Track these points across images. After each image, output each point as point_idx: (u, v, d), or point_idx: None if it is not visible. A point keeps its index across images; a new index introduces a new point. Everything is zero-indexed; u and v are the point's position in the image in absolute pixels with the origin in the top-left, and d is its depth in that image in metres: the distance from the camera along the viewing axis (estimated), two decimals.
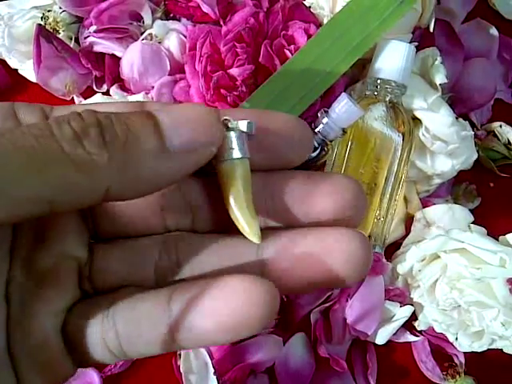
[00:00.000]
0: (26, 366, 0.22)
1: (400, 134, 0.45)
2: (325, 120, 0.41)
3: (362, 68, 0.49)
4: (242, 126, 0.23)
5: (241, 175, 0.23)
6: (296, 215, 0.24)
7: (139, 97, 0.47)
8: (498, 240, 0.46)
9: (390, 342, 0.48)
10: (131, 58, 0.47)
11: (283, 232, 0.24)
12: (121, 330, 0.22)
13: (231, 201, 0.23)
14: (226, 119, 0.23)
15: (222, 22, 0.46)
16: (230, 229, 0.24)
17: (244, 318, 0.20)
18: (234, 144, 0.23)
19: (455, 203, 0.51)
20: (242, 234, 0.23)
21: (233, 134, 0.23)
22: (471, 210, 0.49)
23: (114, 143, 0.19)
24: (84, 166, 0.19)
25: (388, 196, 0.46)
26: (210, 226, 0.25)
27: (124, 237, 0.25)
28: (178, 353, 0.46)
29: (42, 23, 0.48)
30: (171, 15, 0.50)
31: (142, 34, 0.48)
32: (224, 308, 0.21)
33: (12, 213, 0.18)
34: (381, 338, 0.47)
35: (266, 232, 0.23)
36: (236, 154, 0.23)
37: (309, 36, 0.45)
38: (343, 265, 0.22)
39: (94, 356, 0.23)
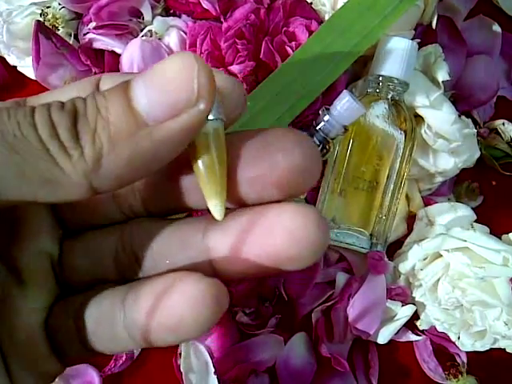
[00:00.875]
0: (15, 364, 0.22)
1: (402, 132, 0.45)
2: (326, 118, 0.41)
3: (363, 65, 0.49)
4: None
5: (215, 139, 0.20)
6: (241, 191, 0.21)
7: None
8: (500, 239, 0.45)
9: (391, 341, 0.47)
10: (131, 55, 0.46)
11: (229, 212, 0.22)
12: (89, 327, 0.22)
13: (201, 168, 0.20)
14: None
15: (222, 19, 0.45)
16: (180, 208, 0.23)
17: (188, 320, 0.19)
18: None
19: (457, 201, 0.51)
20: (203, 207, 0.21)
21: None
22: (473, 209, 0.48)
23: (84, 133, 0.18)
24: (60, 161, 0.18)
25: (390, 194, 0.46)
26: (162, 208, 0.24)
27: (89, 228, 0.25)
28: (179, 352, 0.46)
29: (41, 19, 0.48)
30: (171, 11, 0.49)
31: (141, 30, 0.48)
32: (169, 309, 0.20)
33: None
34: (382, 338, 0.47)
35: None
36: (209, 115, 0.20)
37: (310, 33, 0.44)
38: (286, 243, 0.20)
39: (71, 352, 0.23)
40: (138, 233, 0.23)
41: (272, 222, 0.20)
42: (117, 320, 0.21)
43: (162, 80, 0.18)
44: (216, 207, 0.20)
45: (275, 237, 0.20)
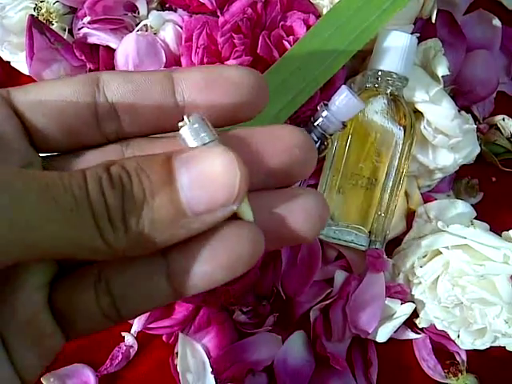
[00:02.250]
0: (16, 343, 0.22)
1: (401, 128, 0.44)
2: (324, 113, 0.40)
3: (362, 60, 0.48)
4: (194, 121, 0.23)
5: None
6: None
7: None
8: (500, 236, 0.45)
9: (390, 339, 0.47)
10: (126, 50, 0.46)
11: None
12: (117, 291, 0.23)
13: None
14: (179, 123, 0.23)
15: (218, 13, 0.45)
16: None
17: (238, 255, 0.22)
18: (202, 132, 0.22)
19: (457, 198, 0.51)
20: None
21: (195, 124, 0.23)
22: (473, 205, 0.48)
23: (131, 215, 0.20)
24: (107, 236, 0.20)
25: (389, 191, 0.45)
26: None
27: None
28: (175, 351, 0.46)
29: (35, 14, 0.47)
30: (167, 6, 0.49)
31: (137, 25, 0.47)
32: (220, 253, 0.22)
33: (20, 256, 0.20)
34: (381, 336, 0.46)
35: None
36: (207, 137, 0.22)
37: (308, 27, 0.44)
38: (303, 222, 0.24)
39: (87, 324, 0.24)
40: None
41: (290, 204, 0.24)
42: (157, 276, 0.23)
43: (207, 177, 0.20)
44: (244, 215, 0.23)
45: (294, 217, 0.24)
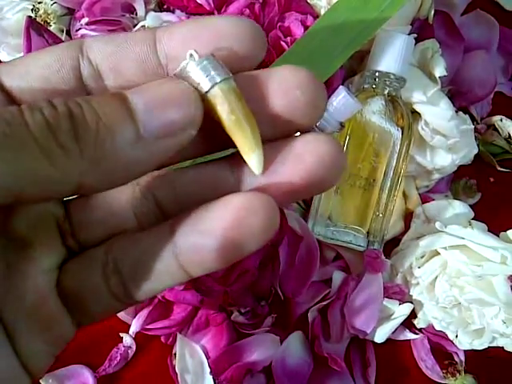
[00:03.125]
0: (24, 329, 0.22)
1: (399, 128, 0.44)
2: None
3: (360, 60, 0.48)
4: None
5: (234, 96, 0.21)
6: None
7: None
8: (498, 236, 0.45)
9: (389, 340, 0.47)
10: None
11: None
12: (125, 271, 0.22)
13: (231, 127, 0.21)
14: (191, 54, 0.21)
15: (216, 14, 0.45)
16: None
17: (247, 229, 0.20)
18: (212, 69, 0.21)
19: (455, 199, 0.51)
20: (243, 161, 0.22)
21: (204, 60, 0.21)
22: (471, 206, 0.48)
23: (85, 136, 0.18)
24: (56, 160, 0.18)
25: (387, 191, 0.45)
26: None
27: None
28: (174, 352, 0.46)
29: (33, 15, 0.47)
30: (165, 7, 0.49)
31: (134, 26, 0.48)
32: (226, 224, 0.20)
33: None
34: (380, 336, 0.46)
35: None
36: (216, 78, 0.21)
37: (305, 28, 0.44)
38: (317, 167, 0.21)
39: (97, 307, 0.23)
40: (158, 179, 0.24)
41: (301, 149, 0.22)
42: (166, 251, 0.21)
43: (162, 100, 0.20)
44: (253, 161, 0.21)
45: (306, 162, 0.21)
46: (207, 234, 0.21)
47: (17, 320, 0.22)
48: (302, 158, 0.22)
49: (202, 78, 0.21)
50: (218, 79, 0.20)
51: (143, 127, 0.19)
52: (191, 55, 0.21)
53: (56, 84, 0.22)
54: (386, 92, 0.44)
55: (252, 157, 0.21)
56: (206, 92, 0.21)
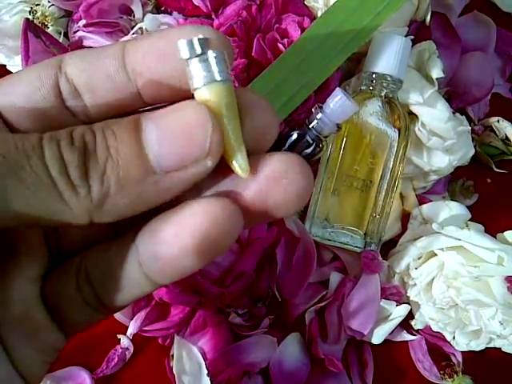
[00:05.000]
0: (13, 339, 0.22)
1: (396, 130, 0.44)
2: (319, 115, 0.40)
3: (357, 62, 0.48)
4: (192, 49, 0.20)
5: (225, 101, 0.20)
6: None
7: None
8: (495, 237, 0.45)
9: (386, 341, 0.47)
10: None
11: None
12: (95, 280, 0.22)
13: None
14: (195, 40, 0.20)
15: (213, 16, 0.45)
16: None
17: (208, 236, 0.20)
18: (213, 66, 0.20)
19: (452, 200, 0.51)
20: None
21: (208, 54, 0.20)
22: (468, 207, 0.48)
23: (94, 173, 0.19)
24: (67, 197, 0.18)
25: (384, 193, 0.45)
26: None
27: None
28: (171, 353, 0.46)
29: (30, 17, 0.47)
30: (162, 9, 0.49)
31: (132, 28, 0.48)
32: (185, 231, 0.20)
33: None
34: (377, 338, 0.46)
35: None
36: (217, 76, 0.20)
37: (302, 29, 0.44)
38: (287, 195, 0.21)
39: (76, 316, 0.23)
40: None
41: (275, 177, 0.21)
42: (131, 260, 0.21)
43: (176, 132, 0.19)
44: (238, 165, 0.20)
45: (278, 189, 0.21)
46: (164, 243, 0.20)
47: (7, 328, 0.22)
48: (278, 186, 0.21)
49: (200, 78, 0.20)
50: (219, 78, 0.20)
51: (153, 164, 0.19)
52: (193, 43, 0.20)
53: (37, 102, 0.22)
54: (382, 94, 0.44)
55: (235, 161, 0.21)
56: (204, 85, 0.20)
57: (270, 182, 0.21)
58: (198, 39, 0.20)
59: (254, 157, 0.21)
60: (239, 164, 0.20)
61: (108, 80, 0.22)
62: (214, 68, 0.20)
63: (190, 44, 0.20)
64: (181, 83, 0.21)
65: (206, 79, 0.20)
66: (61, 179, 0.18)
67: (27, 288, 0.23)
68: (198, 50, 0.20)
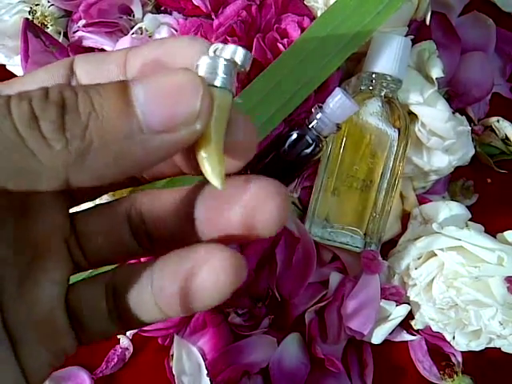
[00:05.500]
0: (31, 339, 0.22)
1: (396, 130, 0.44)
2: (319, 115, 0.40)
3: (356, 62, 0.48)
4: (236, 55, 0.20)
5: (218, 109, 0.19)
6: None
7: None
8: (495, 237, 0.45)
9: (386, 341, 0.47)
10: None
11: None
12: (119, 296, 0.23)
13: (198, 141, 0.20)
14: (216, 47, 0.20)
15: (213, 15, 0.45)
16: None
17: (204, 285, 0.20)
18: (220, 70, 0.20)
19: (452, 200, 0.51)
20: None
21: (221, 59, 0.20)
22: (468, 207, 0.48)
23: (73, 128, 0.17)
24: (39, 152, 0.17)
25: (384, 193, 0.45)
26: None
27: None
28: (171, 353, 0.46)
29: (30, 17, 0.47)
30: (162, 8, 0.49)
31: (132, 27, 0.47)
32: (186, 274, 0.21)
33: None
34: (377, 338, 0.46)
35: None
36: (218, 81, 0.20)
37: (302, 29, 0.44)
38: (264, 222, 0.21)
39: (96, 326, 0.23)
40: (145, 199, 0.24)
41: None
42: (145, 288, 0.22)
43: (165, 91, 0.18)
44: (212, 180, 0.20)
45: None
46: (170, 280, 0.21)
47: (25, 329, 0.22)
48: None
49: (204, 72, 0.20)
50: (219, 84, 0.20)
51: (140, 120, 0.18)
52: (215, 49, 0.20)
53: None
54: (382, 94, 0.44)
55: (211, 174, 0.20)
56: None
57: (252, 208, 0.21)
58: (220, 46, 0.20)
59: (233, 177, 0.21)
60: (212, 168, 0.20)
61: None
62: (220, 73, 0.20)
63: (214, 48, 0.20)
64: None
65: (208, 80, 0.20)
66: (30, 134, 0.17)
67: (51, 290, 0.23)
68: (211, 53, 0.20)
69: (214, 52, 0.20)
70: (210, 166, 0.20)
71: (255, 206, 0.21)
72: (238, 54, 0.20)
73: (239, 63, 0.20)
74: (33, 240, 0.23)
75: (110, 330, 0.24)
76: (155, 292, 0.22)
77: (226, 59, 0.20)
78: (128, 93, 0.18)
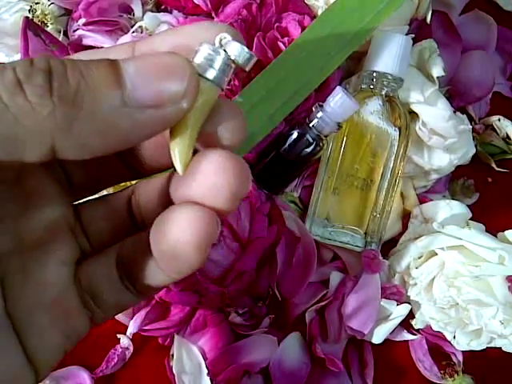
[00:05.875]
0: (42, 322, 0.22)
1: (396, 129, 0.44)
2: (319, 114, 0.40)
3: (357, 61, 0.48)
4: (240, 55, 0.20)
5: (202, 100, 0.20)
6: None
7: None
8: (496, 236, 0.45)
9: (386, 340, 0.47)
10: None
11: None
12: (130, 265, 0.24)
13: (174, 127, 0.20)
14: (223, 37, 0.20)
15: (213, 14, 0.45)
16: None
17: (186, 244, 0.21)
18: (216, 64, 0.20)
19: (453, 199, 0.51)
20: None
21: (221, 53, 0.20)
22: (469, 206, 0.48)
23: (61, 92, 0.17)
24: (24, 117, 0.17)
25: (384, 192, 0.45)
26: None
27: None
28: (171, 353, 0.46)
29: (30, 16, 0.47)
30: (162, 7, 0.49)
31: (132, 26, 0.47)
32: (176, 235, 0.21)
33: None
34: (377, 337, 0.46)
35: None
36: (210, 74, 0.20)
37: (303, 28, 0.44)
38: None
39: (112, 299, 0.24)
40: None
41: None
42: (147, 253, 0.22)
43: (154, 68, 0.19)
44: (176, 164, 0.20)
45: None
46: (158, 244, 0.21)
47: (35, 313, 0.22)
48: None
49: (196, 58, 0.20)
50: (210, 77, 0.20)
51: (129, 93, 0.18)
52: (222, 38, 0.20)
53: None
54: (383, 92, 0.44)
55: (178, 149, 0.20)
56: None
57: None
58: (228, 39, 0.20)
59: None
60: (180, 155, 0.20)
61: None
62: (216, 66, 0.20)
63: (220, 38, 0.20)
64: None
65: (201, 69, 0.20)
66: (14, 100, 0.17)
67: (62, 271, 0.23)
68: (217, 44, 0.20)
69: (220, 42, 0.20)
70: (178, 152, 0.20)
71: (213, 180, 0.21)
72: (242, 55, 0.20)
73: (240, 63, 0.20)
74: (37, 229, 0.23)
75: (126, 299, 0.24)
76: (157, 257, 0.22)
77: (226, 55, 0.20)
78: (118, 66, 0.18)
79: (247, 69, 0.21)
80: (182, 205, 0.21)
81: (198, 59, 0.20)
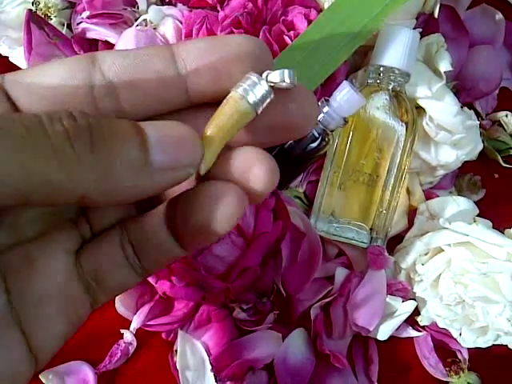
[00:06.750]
0: (46, 311, 0.23)
1: (403, 124, 0.44)
2: (325, 109, 0.40)
3: (364, 55, 0.48)
4: (285, 76, 0.23)
5: (237, 117, 0.23)
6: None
7: None
8: (503, 233, 0.45)
9: (392, 337, 0.46)
10: (125, 45, 0.45)
11: None
12: (134, 241, 0.24)
13: (210, 129, 0.23)
14: (267, 74, 0.23)
15: (219, 7, 0.44)
16: None
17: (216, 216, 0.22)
18: (259, 93, 0.23)
19: (459, 195, 0.50)
20: None
21: (264, 85, 0.23)
22: (476, 202, 0.48)
23: (101, 148, 0.19)
24: (68, 166, 0.19)
25: (390, 188, 0.45)
26: None
27: None
28: (175, 349, 0.45)
29: (33, 9, 0.47)
30: (167, 0, 0.48)
31: (136, 19, 0.47)
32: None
33: None
34: (382, 334, 0.46)
35: None
36: (251, 98, 0.22)
37: (309, 22, 0.43)
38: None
39: (116, 279, 0.25)
40: None
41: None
42: (160, 228, 0.24)
43: (173, 139, 0.21)
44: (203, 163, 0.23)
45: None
46: (191, 217, 0.23)
47: (41, 303, 0.23)
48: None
49: (243, 83, 0.23)
50: (252, 102, 0.22)
51: (152, 157, 0.21)
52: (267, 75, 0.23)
53: (66, 97, 0.23)
54: (390, 87, 0.44)
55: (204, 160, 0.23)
56: (237, 92, 0.23)
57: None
58: (270, 72, 0.23)
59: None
60: (205, 165, 0.23)
61: (157, 77, 0.23)
62: (258, 94, 0.23)
63: (282, 74, 0.23)
64: (233, 78, 0.23)
65: (245, 92, 0.22)
66: (65, 145, 0.19)
67: (66, 259, 0.24)
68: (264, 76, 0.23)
69: (266, 77, 0.23)
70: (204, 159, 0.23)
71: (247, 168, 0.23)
72: (285, 75, 0.23)
73: (289, 82, 0.23)
74: (36, 219, 0.24)
75: (129, 280, 0.25)
76: (179, 224, 0.23)
77: (269, 89, 0.23)
78: (143, 132, 0.21)
79: (295, 82, 0.23)
80: (216, 182, 0.23)
81: (244, 83, 0.23)
